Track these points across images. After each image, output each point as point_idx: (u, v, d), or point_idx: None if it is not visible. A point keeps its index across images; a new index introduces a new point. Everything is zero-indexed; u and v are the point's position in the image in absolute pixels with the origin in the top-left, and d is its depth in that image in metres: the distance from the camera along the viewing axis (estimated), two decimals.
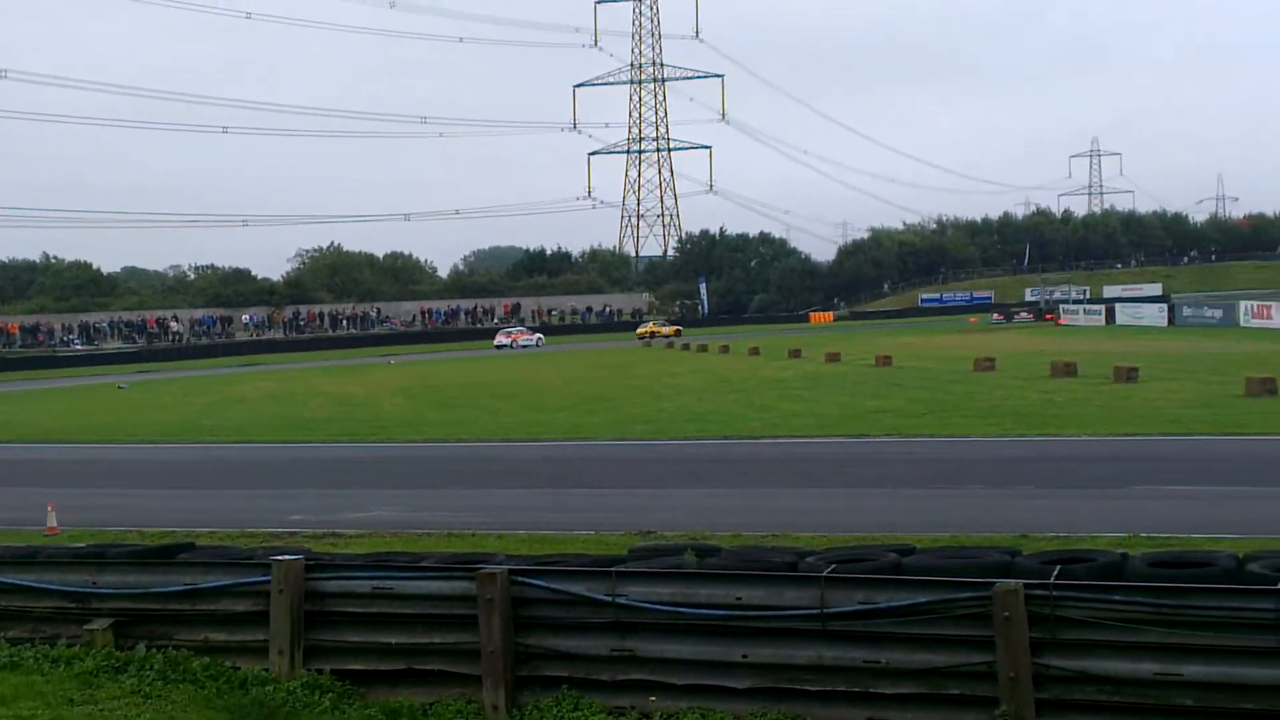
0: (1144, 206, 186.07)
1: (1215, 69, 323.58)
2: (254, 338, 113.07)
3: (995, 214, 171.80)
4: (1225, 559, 9.00)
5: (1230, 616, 7.84)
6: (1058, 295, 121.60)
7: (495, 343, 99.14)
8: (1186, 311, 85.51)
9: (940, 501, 18.10)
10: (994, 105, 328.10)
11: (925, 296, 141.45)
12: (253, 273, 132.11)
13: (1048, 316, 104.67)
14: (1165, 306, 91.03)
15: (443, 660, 9.70)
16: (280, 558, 10.38)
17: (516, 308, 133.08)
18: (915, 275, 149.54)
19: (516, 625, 9.46)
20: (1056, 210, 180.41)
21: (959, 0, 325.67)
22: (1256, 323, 73.54)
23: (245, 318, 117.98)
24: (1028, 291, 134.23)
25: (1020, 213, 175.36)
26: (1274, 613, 7.71)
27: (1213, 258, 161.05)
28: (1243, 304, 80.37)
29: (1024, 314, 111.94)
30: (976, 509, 17.13)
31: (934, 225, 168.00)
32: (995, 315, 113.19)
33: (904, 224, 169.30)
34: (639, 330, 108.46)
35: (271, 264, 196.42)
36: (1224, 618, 7.85)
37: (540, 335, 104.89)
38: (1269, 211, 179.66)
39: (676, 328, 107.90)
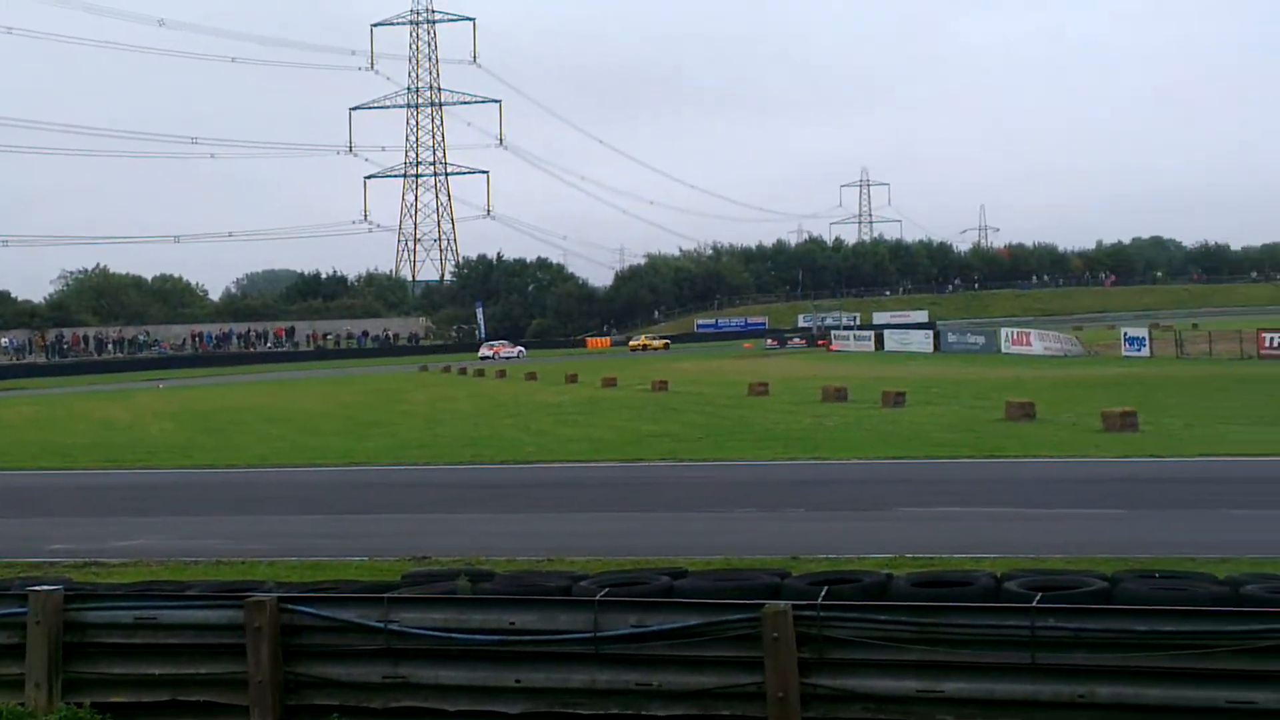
0: (911, 235, 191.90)
1: (979, 105, 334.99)
2: (14, 361, 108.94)
3: (769, 241, 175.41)
4: (984, 578, 9.30)
5: (988, 634, 8.07)
6: (829, 321, 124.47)
7: (480, 354, 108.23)
8: (951, 338, 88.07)
9: (713, 524, 18.31)
10: (769, 135, 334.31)
11: (701, 322, 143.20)
12: (13, 295, 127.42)
13: (820, 342, 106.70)
14: (931, 333, 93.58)
15: (209, 691, 9.47)
16: (37, 588, 10.02)
17: (291, 331, 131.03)
18: (691, 301, 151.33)
19: (286, 654, 9.29)
20: (828, 238, 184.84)
21: (735, 33, 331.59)
22: (1016, 349, 76.14)
23: (4, 341, 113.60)
24: (800, 317, 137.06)
25: (793, 240, 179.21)
26: (1028, 630, 7.97)
27: (975, 286, 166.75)
28: (1003, 331, 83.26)
29: (797, 340, 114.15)
30: (749, 532, 17.40)
31: (710, 252, 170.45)
32: (769, 341, 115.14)
33: (680, 250, 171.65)
34: (630, 344, 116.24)
35: (33, 286, 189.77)
36: (982, 635, 8.08)
37: (521, 349, 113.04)
38: (1028, 241, 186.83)
39: (665, 341, 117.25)
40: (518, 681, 8.83)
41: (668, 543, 16.39)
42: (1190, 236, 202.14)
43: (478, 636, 8.90)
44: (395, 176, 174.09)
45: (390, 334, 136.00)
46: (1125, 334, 71.37)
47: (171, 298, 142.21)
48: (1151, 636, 7.82)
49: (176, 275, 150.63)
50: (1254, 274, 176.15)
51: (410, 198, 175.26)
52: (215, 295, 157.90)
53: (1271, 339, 60.43)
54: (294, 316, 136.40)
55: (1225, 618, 7.88)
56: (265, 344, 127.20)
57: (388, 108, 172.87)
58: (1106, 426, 28.51)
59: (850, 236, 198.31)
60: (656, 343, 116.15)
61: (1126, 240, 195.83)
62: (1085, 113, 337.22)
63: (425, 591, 9.67)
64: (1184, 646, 7.76)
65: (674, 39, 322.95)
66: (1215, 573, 9.94)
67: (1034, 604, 8.15)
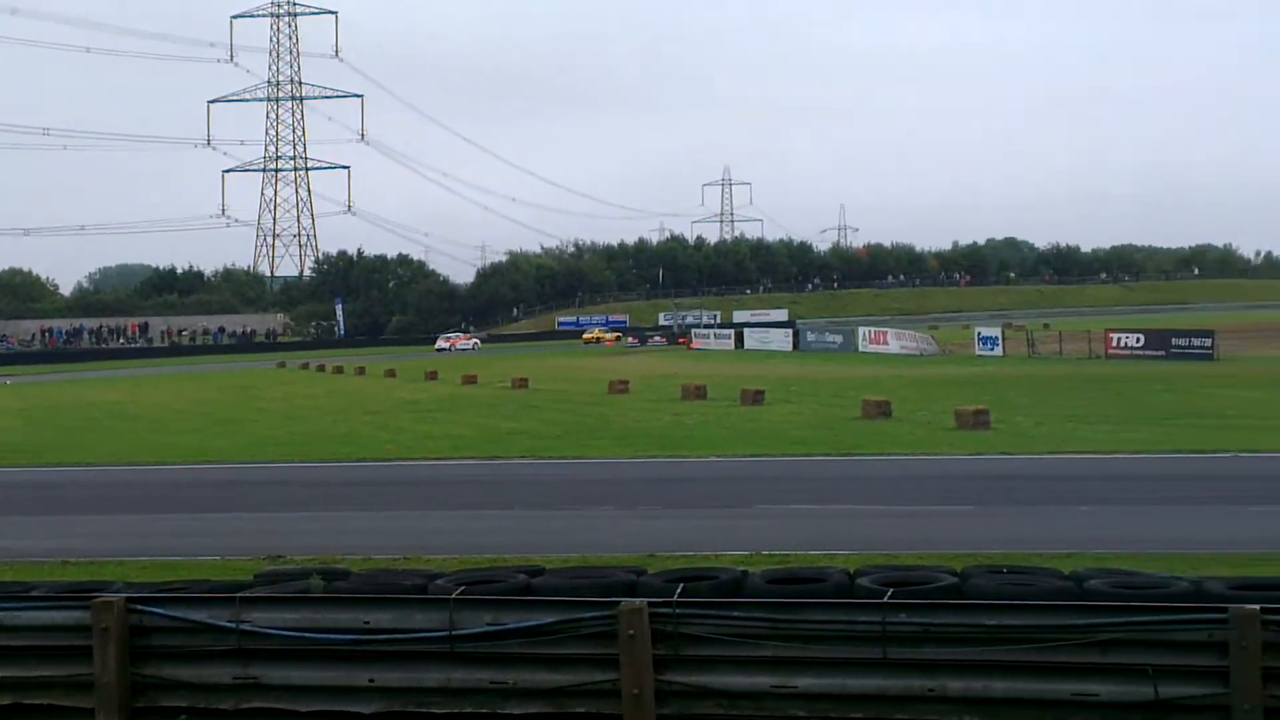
0: (772, 235, 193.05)
1: (840, 105, 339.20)
2: None
3: (631, 239, 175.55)
4: (837, 574, 9.40)
5: (840, 630, 8.17)
6: (690, 319, 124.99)
7: (436, 346, 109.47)
8: (810, 337, 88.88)
9: (571, 522, 18.33)
10: (631, 133, 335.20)
11: (562, 320, 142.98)
12: None
13: (680, 340, 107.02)
14: (790, 332, 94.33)
15: (54, 694, 9.27)
16: None
17: (145, 327, 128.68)
18: (553, 298, 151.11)
19: (134, 655, 9.12)
20: (690, 237, 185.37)
21: (598, 31, 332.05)
22: (873, 348, 77.11)
23: None
24: (661, 315, 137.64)
25: (655, 238, 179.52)
26: (879, 625, 8.08)
27: (835, 285, 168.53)
28: (861, 330, 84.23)
29: (657, 338, 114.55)
30: (606, 529, 17.44)
31: (572, 249, 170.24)
32: (630, 339, 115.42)
33: (542, 248, 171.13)
34: (584, 336, 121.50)
35: None
36: (835, 631, 8.18)
37: (477, 340, 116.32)
38: (886, 242, 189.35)
39: (617, 334, 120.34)
40: (371, 681, 8.77)
41: (526, 541, 16.38)
42: (1042, 238, 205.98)
43: (331, 636, 8.82)
44: (254, 171, 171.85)
45: (248, 330, 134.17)
46: (979, 333, 72.66)
47: (20, 292, 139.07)
48: (999, 630, 7.98)
49: (26, 269, 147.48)
50: (1103, 275, 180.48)
51: (269, 192, 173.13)
52: (67, 290, 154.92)
53: (1119, 339, 61.98)
54: (148, 312, 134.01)
55: (1070, 612, 8.06)
56: (118, 340, 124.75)
57: (247, 101, 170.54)
58: (960, 424, 29.00)
59: (712, 235, 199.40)
60: (609, 336, 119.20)
61: (981, 241, 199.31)
62: (943, 116, 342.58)
63: (278, 591, 9.54)
64: (1031, 640, 7.93)
65: (537, 37, 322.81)
66: (1061, 568, 10.14)
67: (885, 599, 8.26)
